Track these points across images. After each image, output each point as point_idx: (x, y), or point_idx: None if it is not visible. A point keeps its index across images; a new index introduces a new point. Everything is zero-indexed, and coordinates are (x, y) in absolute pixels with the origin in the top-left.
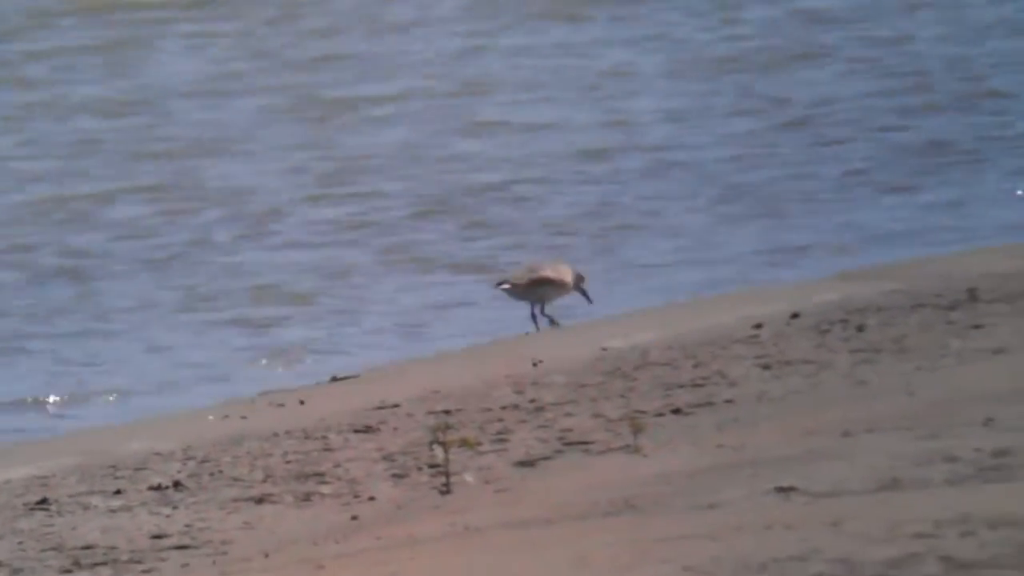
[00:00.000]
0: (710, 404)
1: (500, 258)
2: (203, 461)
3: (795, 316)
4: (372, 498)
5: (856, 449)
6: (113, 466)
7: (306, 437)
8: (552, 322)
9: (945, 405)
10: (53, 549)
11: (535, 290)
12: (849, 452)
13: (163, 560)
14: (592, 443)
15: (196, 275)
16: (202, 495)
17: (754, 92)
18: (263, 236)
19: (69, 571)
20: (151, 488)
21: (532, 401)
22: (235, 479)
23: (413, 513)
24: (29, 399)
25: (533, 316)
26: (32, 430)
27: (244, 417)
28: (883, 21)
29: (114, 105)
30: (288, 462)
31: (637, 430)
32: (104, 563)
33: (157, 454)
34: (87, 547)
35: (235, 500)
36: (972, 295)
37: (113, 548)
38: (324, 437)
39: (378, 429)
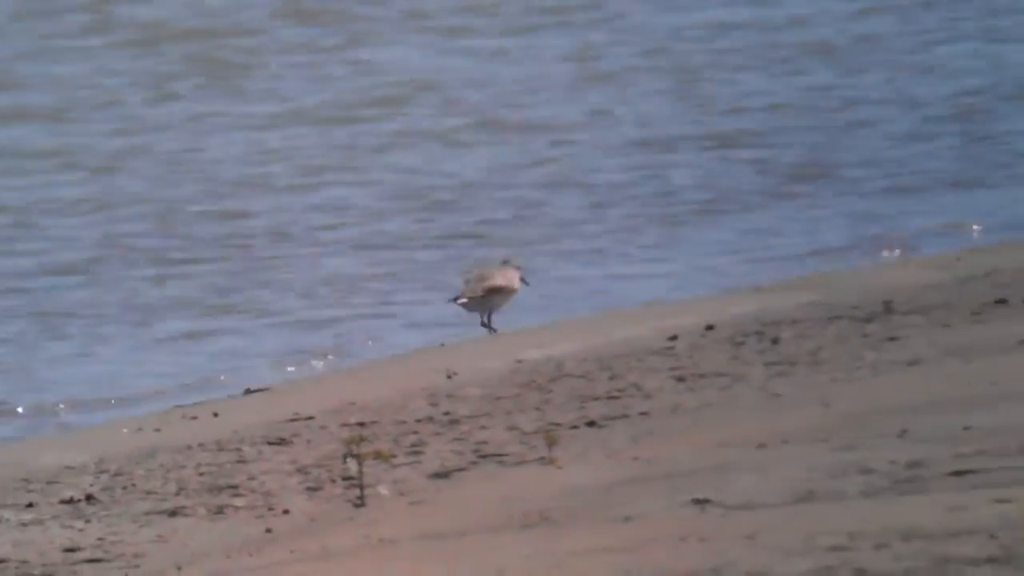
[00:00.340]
0: (625, 416)
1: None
2: (116, 474)
3: (710, 328)
4: (286, 511)
5: (771, 461)
6: (25, 479)
7: (219, 449)
8: (490, 329)
9: (860, 417)
10: None
11: (490, 299)
12: (764, 464)
13: (75, 573)
14: (507, 455)
15: (111, 288)
16: (115, 508)
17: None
18: (168, 242)
19: None
20: (63, 501)
21: (447, 413)
22: (148, 492)
23: (327, 526)
24: None
25: (484, 323)
26: None
27: (157, 430)
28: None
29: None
30: (201, 474)
31: (552, 442)
32: None
33: (69, 467)
34: None
35: (148, 513)
36: (887, 307)
37: (25, 562)
38: (238, 449)
39: (292, 441)
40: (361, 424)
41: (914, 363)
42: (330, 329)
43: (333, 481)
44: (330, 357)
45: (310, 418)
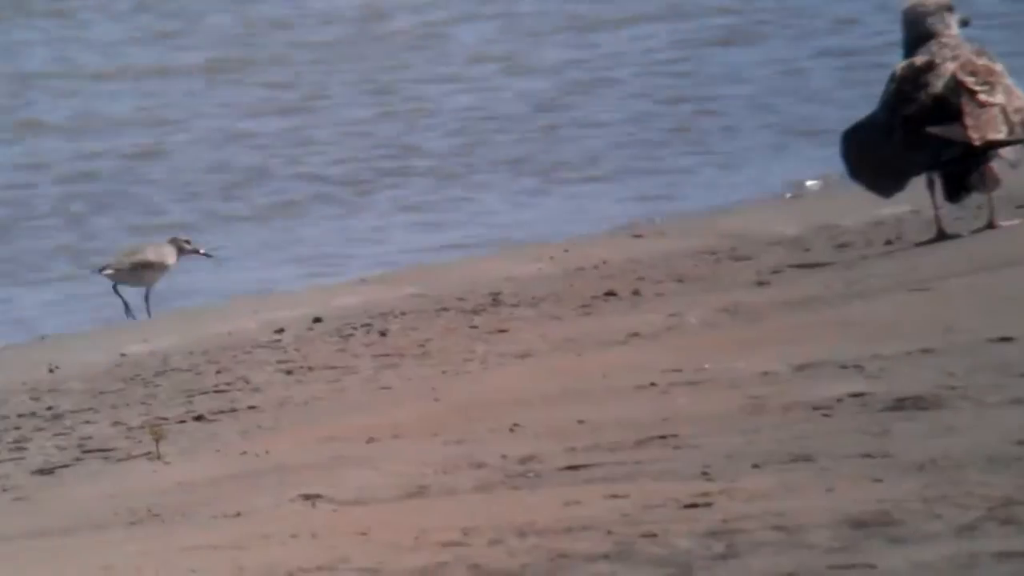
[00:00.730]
0: (233, 411)
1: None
2: None
3: (317, 320)
4: None
5: (382, 456)
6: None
7: None
8: (128, 311)
9: (471, 410)
10: None
11: (139, 273)
12: (375, 459)
13: None
14: (113, 451)
15: None
16: None
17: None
18: None
19: None
20: None
21: (50, 408)
22: None
23: None
24: None
25: (146, 301)
26: None
27: None
28: None
29: None
30: None
31: (158, 437)
32: None
33: None
34: None
35: None
36: (495, 299)
37: None
38: None
39: None
40: None
41: (524, 356)
42: None
43: None
44: None
45: None
